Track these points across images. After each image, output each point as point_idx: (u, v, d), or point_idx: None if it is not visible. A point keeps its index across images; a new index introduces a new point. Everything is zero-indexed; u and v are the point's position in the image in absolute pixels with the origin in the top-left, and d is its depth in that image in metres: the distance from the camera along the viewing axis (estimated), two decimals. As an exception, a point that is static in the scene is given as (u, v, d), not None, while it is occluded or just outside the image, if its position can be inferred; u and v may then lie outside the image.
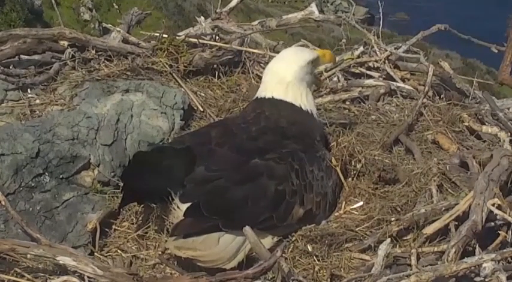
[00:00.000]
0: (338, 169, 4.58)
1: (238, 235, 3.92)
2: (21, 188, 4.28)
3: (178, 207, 4.00)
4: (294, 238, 4.19)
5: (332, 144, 4.77)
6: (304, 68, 4.74)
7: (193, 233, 3.92)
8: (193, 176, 4.03)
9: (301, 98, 4.71)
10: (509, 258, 3.83)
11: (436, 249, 4.01)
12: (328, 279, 3.96)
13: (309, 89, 4.81)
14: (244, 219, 3.90)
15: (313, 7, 6.59)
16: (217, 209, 3.94)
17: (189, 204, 3.96)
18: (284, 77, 4.69)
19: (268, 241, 4.09)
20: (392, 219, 4.26)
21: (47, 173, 4.38)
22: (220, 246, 3.94)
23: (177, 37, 5.79)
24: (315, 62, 4.86)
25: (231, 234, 3.95)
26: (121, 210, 4.38)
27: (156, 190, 4.00)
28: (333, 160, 4.58)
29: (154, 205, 4.17)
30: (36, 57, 5.54)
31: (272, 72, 4.76)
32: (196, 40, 5.82)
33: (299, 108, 4.69)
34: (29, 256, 3.59)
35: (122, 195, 4.20)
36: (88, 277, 3.51)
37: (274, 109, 4.66)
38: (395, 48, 6.20)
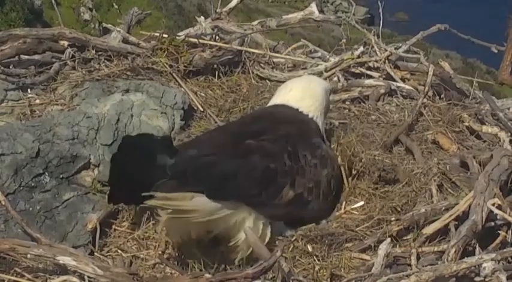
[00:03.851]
0: (342, 168, 4.58)
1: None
2: (21, 188, 4.27)
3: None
4: (294, 238, 4.19)
5: (333, 145, 4.78)
6: (327, 92, 4.89)
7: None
8: (183, 154, 3.94)
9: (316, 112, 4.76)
10: (509, 258, 3.83)
11: (436, 249, 4.01)
12: (328, 279, 3.96)
13: (324, 115, 4.86)
14: (231, 192, 3.87)
15: (313, 7, 6.59)
16: (205, 178, 3.84)
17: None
18: (312, 93, 4.76)
19: (253, 220, 3.99)
20: (393, 219, 4.26)
21: (47, 173, 4.37)
22: (194, 201, 3.80)
23: (177, 37, 5.79)
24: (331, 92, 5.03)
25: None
26: (121, 210, 4.38)
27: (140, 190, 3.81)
28: (339, 159, 4.59)
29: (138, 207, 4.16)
30: (36, 57, 5.53)
31: (298, 88, 4.80)
32: (196, 40, 5.81)
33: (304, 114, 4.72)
34: (29, 256, 3.59)
35: (108, 193, 4.15)
36: (88, 277, 3.51)
37: (277, 108, 4.70)
38: (395, 48, 6.19)
